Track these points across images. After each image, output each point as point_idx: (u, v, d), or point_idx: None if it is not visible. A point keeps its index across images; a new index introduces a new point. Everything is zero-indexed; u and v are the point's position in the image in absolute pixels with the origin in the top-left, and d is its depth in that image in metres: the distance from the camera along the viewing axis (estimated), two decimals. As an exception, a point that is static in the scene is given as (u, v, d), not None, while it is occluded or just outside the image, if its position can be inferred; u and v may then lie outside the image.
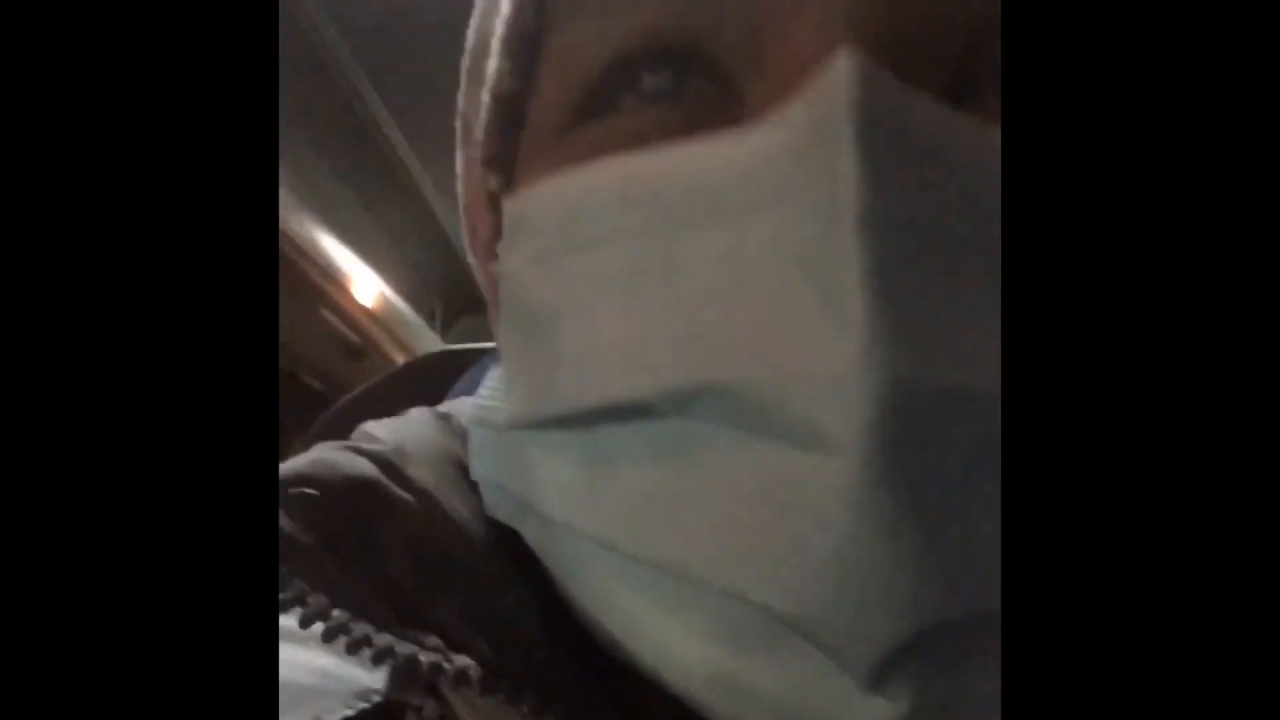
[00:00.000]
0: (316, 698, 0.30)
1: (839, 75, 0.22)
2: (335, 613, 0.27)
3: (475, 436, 0.33)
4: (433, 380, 0.47)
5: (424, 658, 0.27)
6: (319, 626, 0.27)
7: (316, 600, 0.28)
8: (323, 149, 2.46)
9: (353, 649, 0.27)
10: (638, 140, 0.27)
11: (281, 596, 0.27)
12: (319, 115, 2.37)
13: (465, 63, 0.35)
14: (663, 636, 0.27)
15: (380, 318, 2.95)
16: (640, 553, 0.26)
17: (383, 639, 0.27)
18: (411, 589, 0.29)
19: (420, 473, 0.33)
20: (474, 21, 0.35)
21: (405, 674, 0.30)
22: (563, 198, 0.28)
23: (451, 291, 3.11)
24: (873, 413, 0.21)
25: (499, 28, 0.31)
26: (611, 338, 0.26)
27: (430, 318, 3.02)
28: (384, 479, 0.32)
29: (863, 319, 0.21)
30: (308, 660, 0.31)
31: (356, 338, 2.87)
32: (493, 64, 0.31)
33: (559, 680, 0.29)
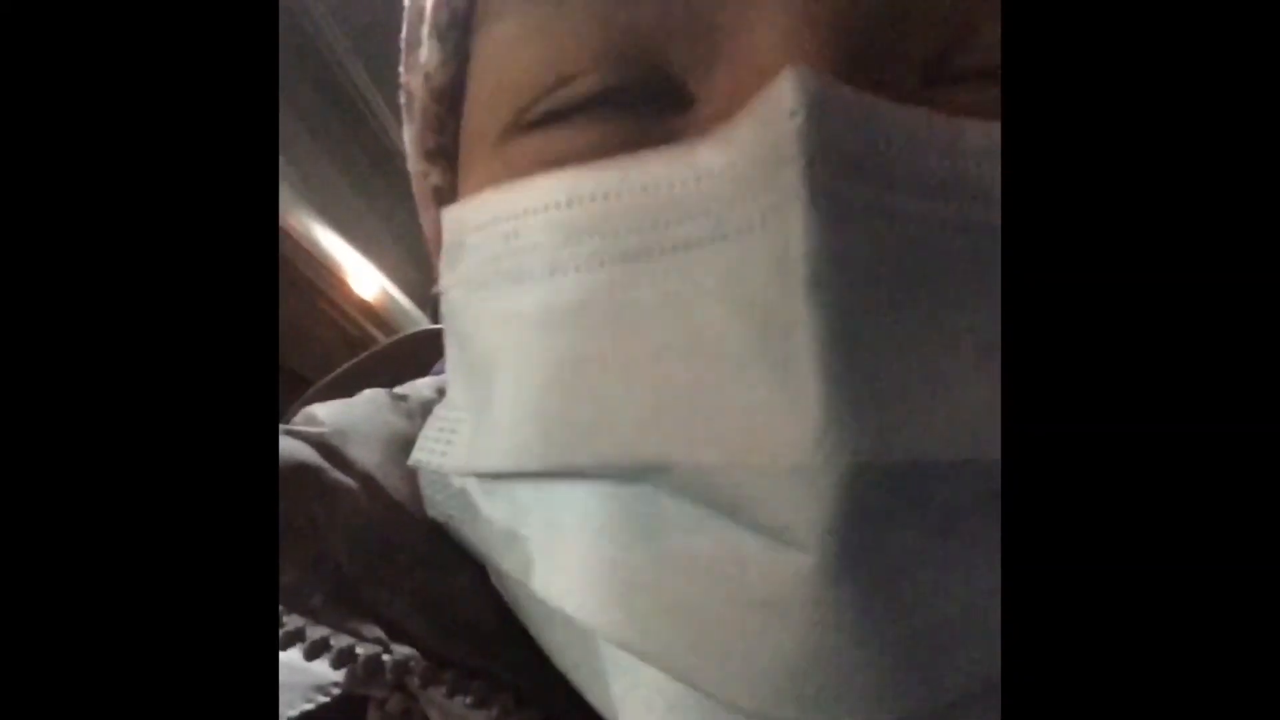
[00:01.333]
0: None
1: (783, 96, 0.20)
2: None
3: (423, 480, 0.31)
4: (420, 358, 0.45)
5: (361, 650, 0.26)
6: None
7: None
8: (321, 142, 2.46)
9: (286, 643, 0.26)
10: (580, 153, 0.25)
11: None
12: (317, 109, 2.36)
13: (404, 32, 0.33)
14: (622, 705, 0.26)
15: (379, 310, 2.95)
16: (591, 624, 0.25)
17: (317, 631, 0.26)
18: (352, 575, 0.28)
19: (362, 454, 0.31)
20: None
21: (354, 671, 0.29)
22: (500, 218, 0.26)
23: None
24: (832, 507, 0.19)
25: (429, 8, 0.29)
26: (558, 396, 0.24)
27: (431, 311, 3.02)
28: (322, 462, 0.30)
29: (817, 400, 0.19)
30: None
31: (355, 330, 2.87)
32: (424, 51, 0.30)
33: (511, 664, 0.28)
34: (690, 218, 0.22)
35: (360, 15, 2.10)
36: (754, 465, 0.20)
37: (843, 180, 0.20)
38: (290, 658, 0.29)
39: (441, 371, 0.41)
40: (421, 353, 0.45)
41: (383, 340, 0.47)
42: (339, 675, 0.29)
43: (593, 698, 0.27)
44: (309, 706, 0.28)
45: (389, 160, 2.57)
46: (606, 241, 0.23)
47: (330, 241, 2.73)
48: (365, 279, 2.89)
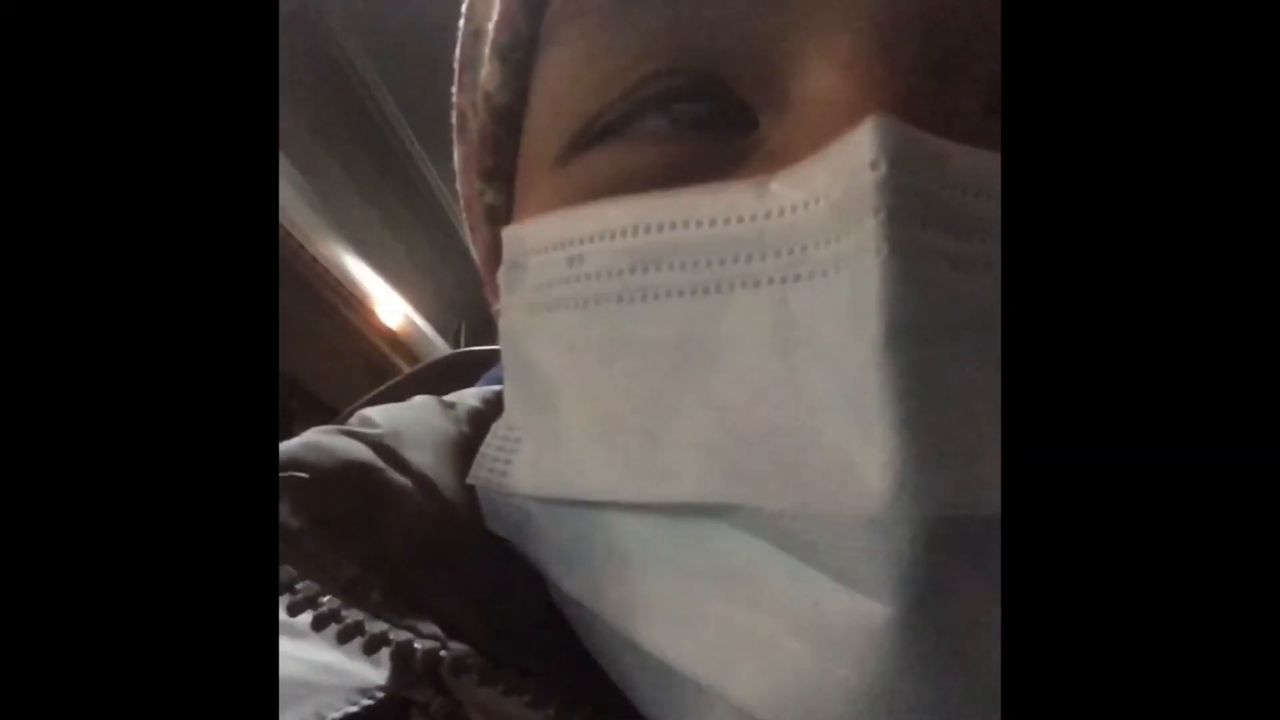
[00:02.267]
0: (318, 693, 0.29)
1: (864, 147, 0.20)
2: (325, 599, 0.26)
3: (482, 496, 0.31)
4: (455, 379, 0.45)
5: (419, 645, 0.26)
6: (309, 615, 0.26)
7: (305, 587, 0.26)
8: (350, 171, 2.48)
9: (344, 637, 0.26)
10: (644, 174, 0.25)
11: None
12: (346, 138, 2.39)
13: (457, 53, 0.33)
14: None
15: (403, 339, 2.97)
16: (656, 651, 0.25)
17: (376, 626, 0.26)
18: (409, 573, 0.28)
19: (418, 456, 0.31)
20: (464, 9, 0.33)
21: (408, 668, 0.28)
22: (564, 242, 0.26)
23: (474, 312, 3.12)
24: (908, 560, 0.20)
25: (490, 30, 0.29)
26: (624, 427, 0.24)
27: (453, 339, 3.03)
28: (379, 462, 0.30)
29: (895, 452, 0.19)
30: (309, 655, 0.30)
31: (379, 359, 2.88)
32: (485, 72, 0.30)
33: (565, 667, 0.28)
34: (764, 255, 0.22)
35: (391, 48, 2.12)
36: (829, 514, 0.21)
37: (921, 230, 0.20)
38: (332, 659, 0.30)
39: (485, 383, 0.42)
40: (453, 376, 0.45)
41: (405, 368, 0.47)
42: (382, 678, 0.29)
43: (638, 702, 0.27)
44: (352, 709, 0.28)
45: (415, 193, 2.59)
46: (676, 273, 0.23)
47: (358, 270, 2.75)
48: (390, 308, 2.91)
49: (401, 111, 2.32)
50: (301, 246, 2.53)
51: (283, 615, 0.31)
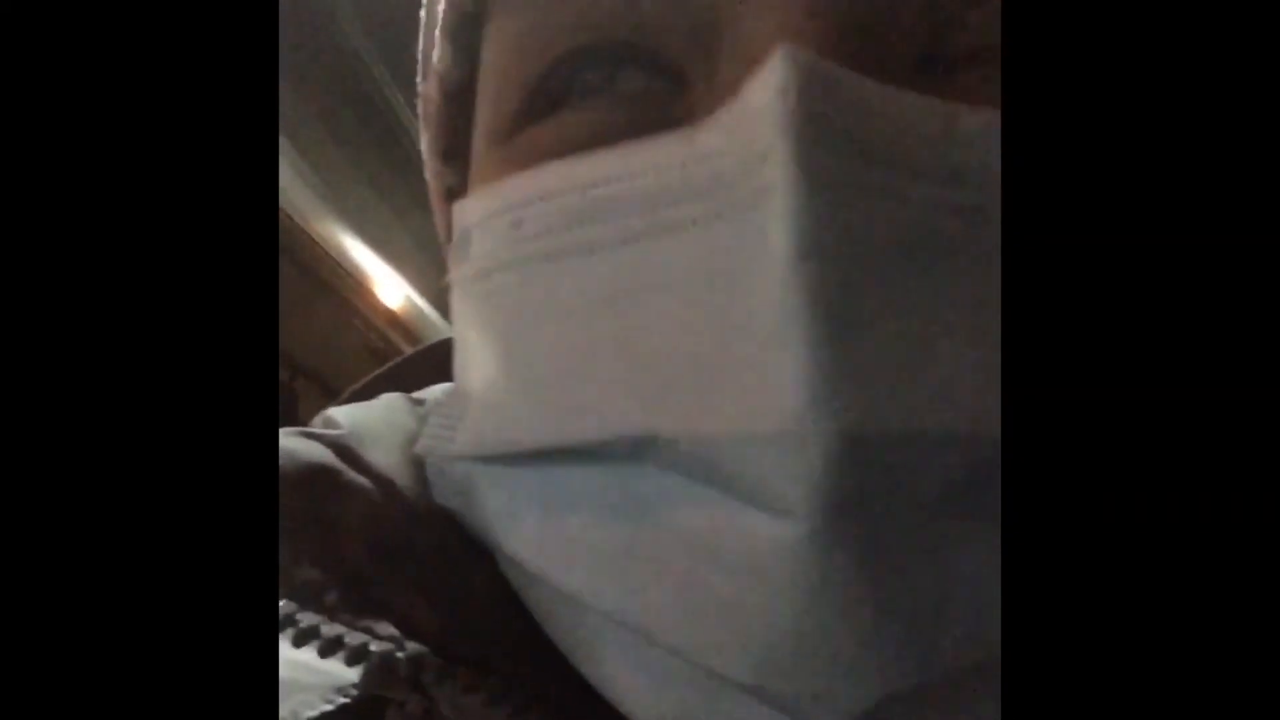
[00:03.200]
0: (295, 692, 0.28)
1: (775, 76, 0.20)
2: (281, 604, 0.26)
3: (428, 465, 0.31)
4: (447, 366, 0.46)
5: (375, 647, 0.26)
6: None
7: None
8: (349, 152, 2.48)
9: (299, 641, 0.26)
10: (582, 143, 0.25)
11: None
12: (348, 122, 2.38)
13: (420, 42, 0.34)
14: (620, 680, 0.26)
15: (403, 319, 2.97)
16: (591, 601, 0.25)
17: (332, 630, 0.26)
18: (366, 573, 0.28)
19: (379, 457, 0.31)
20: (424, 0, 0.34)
21: (383, 669, 0.28)
22: (503, 209, 0.27)
23: (475, 294, 3.12)
24: (820, 474, 0.20)
25: (441, 11, 0.30)
26: (556, 374, 0.25)
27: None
28: (339, 464, 0.30)
29: (804, 370, 0.19)
30: (286, 654, 0.30)
31: (379, 340, 2.88)
32: (437, 52, 0.30)
33: (524, 661, 0.28)
34: (689, 199, 0.22)
35: (390, 28, 2.11)
36: (743, 434, 0.21)
37: (832, 157, 0.20)
38: (308, 658, 0.29)
39: None
40: (448, 361, 0.45)
41: (406, 349, 0.47)
42: (357, 676, 0.28)
43: (592, 676, 0.27)
44: (328, 707, 0.28)
45: (415, 173, 2.58)
46: (607, 227, 0.24)
47: (357, 250, 2.75)
48: (391, 288, 2.91)
49: (401, 92, 2.32)
50: (300, 228, 2.53)
51: None
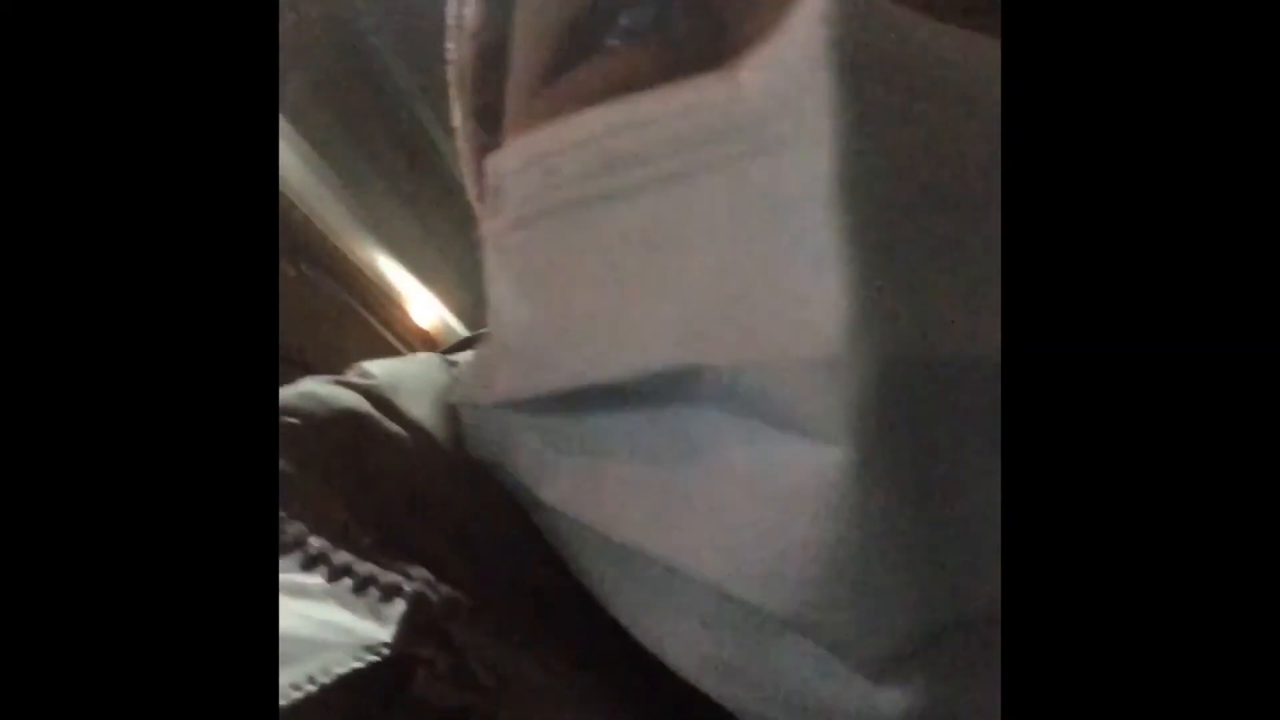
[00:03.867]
0: (325, 650, 0.28)
1: (815, 6, 0.20)
2: (313, 540, 0.26)
3: (462, 415, 0.31)
4: None
5: (408, 587, 0.26)
6: (298, 557, 0.26)
7: (295, 529, 0.26)
8: (382, 171, 2.50)
9: (332, 578, 0.26)
10: (618, 87, 0.25)
11: None
12: (379, 138, 2.41)
13: (448, 16, 0.34)
14: (659, 624, 0.26)
15: (436, 339, 2.98)
16: (631, 543, 0.25)
17: (363, 568, 0.26)
18: (399, 519, 0.28)
19: (413, 406, 0.31)
20: None
21: (413, 623, 0.28)
22: (539, 156, 0.27)
23: (507, 315, 3.13)
24: (860, 397, 0.20)
25: None
26: (594, 314, 0.25)
27: (486, 340, 3.04)
28: (374, 411, 0.30)
29: (845, 294, 0.20)
30: (318, 614, 0.29)
31: (413, 359, 2.89)
32: (470, 10, 0.31)
33: (555, 611, 0.28)
34: (729, 137, 0.22)
35: (425, 53, 2.14)
36: (784, 361, 0.21)
37: (873, 86, 0.20)
38: (341, 618, 0.29)
39: None
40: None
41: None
42: (387, 635, 0.28)
43: (630, 623, 0.27)
44: (358, 664, 0.28)
45: (448, 193, 2.60)
46: (646, 168, 0.24)
47: (392, 271, 2.77)
48: (424, 308, 2.93)
49: (434, 114, 2.34)
50: (336, 247, 2.55)
51: (294, 577, 0.32)
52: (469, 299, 3.05)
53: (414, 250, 2.77)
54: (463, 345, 0.44)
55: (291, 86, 2.17)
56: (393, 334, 2.87)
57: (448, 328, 3.05)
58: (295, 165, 2.32)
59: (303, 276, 2.51)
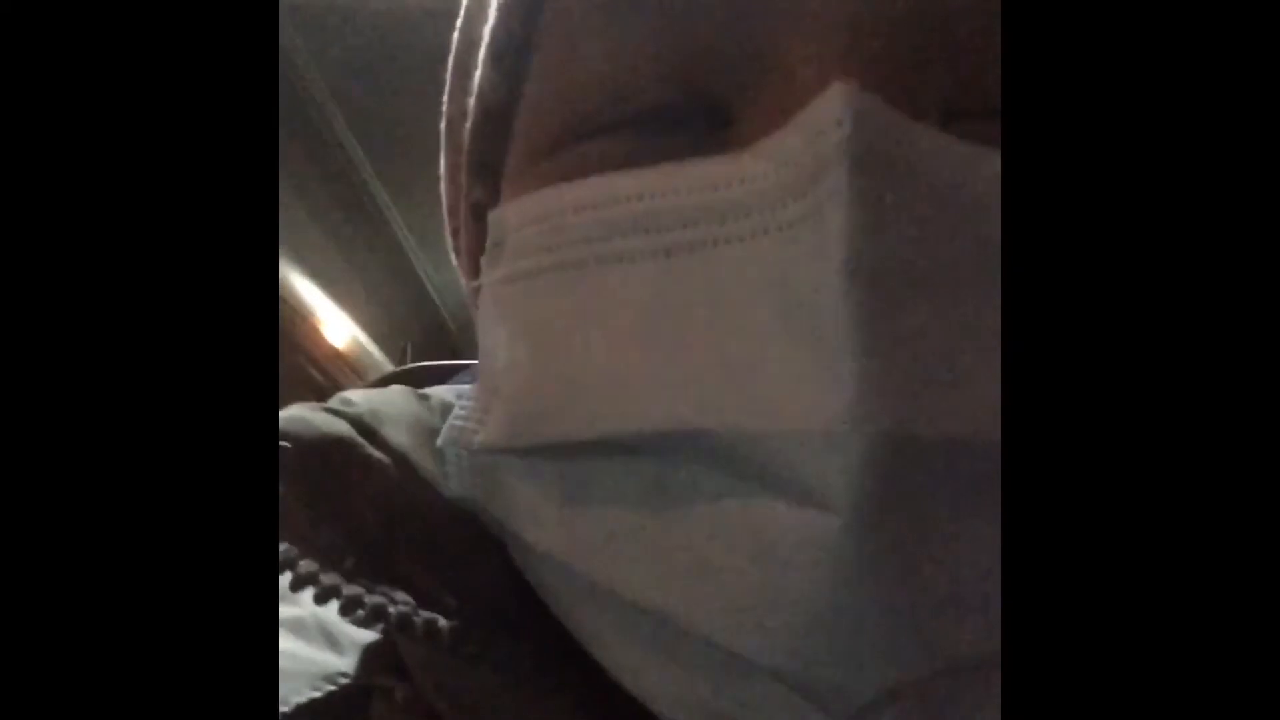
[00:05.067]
0: (283, 679, 0.29)
1: (831, 108, 0.22)
2: (303, 564, 0.27)
3: (449, 456, 0.32)
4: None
5: (393, 610, 0.27)
6: (288, 577, 0.27)
7: (285, 550, 0.27)
8: (299, 190, 2.46)
9: (321, 599, 0.26)
10: (627, 163, 0.26)
11: None
12: (294, 157, 2.37)
13: (450, 64, 0.35)
14: (646, 672, 0.27)
15: (349, 358, 2.94)
16: (617, 589, 0.26)
17: (351, 590, 0.27)
18: (384, 545, 0.29)
19: (396, 435, 0.32)
20: (460, 24, 0.35)
21: (374, 655, 0.29)
22: (546, 214, 0.28)
23: (424, 334, 3.10)
24: (862, 471, 0.21)
25: (485, 36, 0.31)
26: (594, 371, 0.25)
27: (399, 359, 3.01)
28: (358, 438, 0.31)
29: (852, 371, 0.21)
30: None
31: (324, 379, 2.85)
32: (480, 74, 0.32)
33: (531, 635, 0.29)
34: (735, 217, 0.23)
35: (341, 68, 2.12)
36: (788, 432, 0.22)
37: (882, 183, 0.22)
38: (297, 647, 0.31)
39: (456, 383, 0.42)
40: (413, 384, 0.46)
41: (350, 388, 0.47)
42: (347, 665, 0.30)
43: (613, 666, 0.28)
44: (316, 694, 0.29)
45: (364, 213, 2.57)
46: (650, 237, 0.25)
47: (305, 289, 2.72)
48: (337, 327, 2.88)
49: (352, 132, 2.31)
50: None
51: None
52: (381, 317, 3.02)
53: (327, 269, 2.72)
54: (411, 375, 0.45)
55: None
56: (305, 353, 2.81)
57: (360, 346, 3.01)
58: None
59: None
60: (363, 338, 3.01)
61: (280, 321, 2.66)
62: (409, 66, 1.97)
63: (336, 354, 2.91)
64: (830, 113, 0.22)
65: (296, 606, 0.33)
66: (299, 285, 2.68)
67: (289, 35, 2.03)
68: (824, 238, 0.21)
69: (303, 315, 2.73)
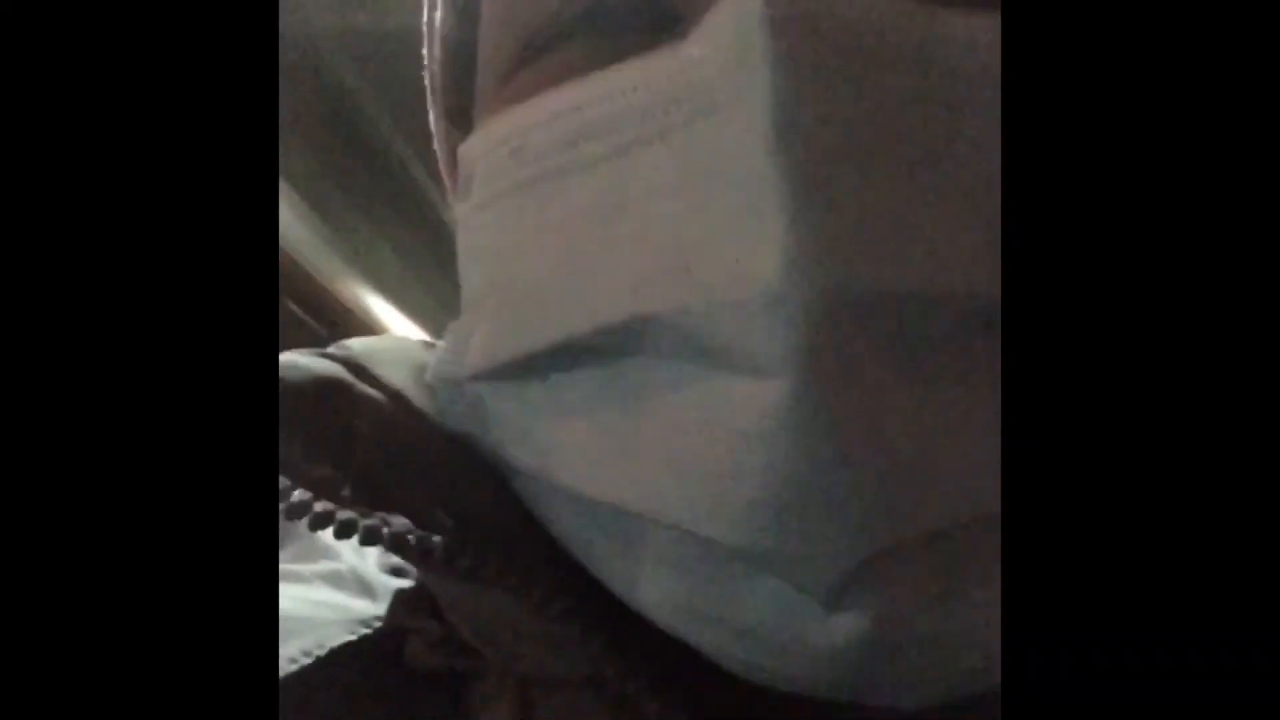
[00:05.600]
0: (320, 626, 0.31)
1: None
2: (296, 493, 0.27)
3: (441, 393, 0.32)
4: None
5: (386, 530, 0.27)
6: (282, 508, 0.27)
7: (279, 484, 0.27)
8: (369, 213, 2.52)
9: (315, 525, 0.27)
10: (577, 73, 0.27)
11: None
12: (363, 181, 2.43)
13: (423, 25, 0.36)
14: (628, 574, 0.27)
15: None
16: (597, 495, 0.26)
17: (344, 514, 0.27)
18: (379, 475, 0.29)
19: (390, 374, 0.32)
20: None
21: (406, 597, 0.30)
22: (503, 139, 0.28)
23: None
24: (802, 330, 0.20)
25: None
26: (552, 280, 0.26)
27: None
28: (351, 378, 0.31)
29: (783, 236, 0.20)
30: (310, 595, 0.32)
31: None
32: (439, 15, 0.33)
33: (532, 556, 0.29)
34: (676, 106, 0.23)
35: (400, 90, 2.15)
36: (725, 301, 0.22)
37: (808, 47, 0.21)
38: (335, 597, 0.32)
39: None
40: None
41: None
42: (379, 609, 0.31)
43: (604, 576, 0.28)
44: (351, 637, 0.30)
45: (431, 230, 2.62)
46: (601, 143, 0.25)
47: (380, 308, 2.77)
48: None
49: (414, 151, 2.35)
50: (324, 289, 2.57)
51: (290, 566, 0.35)
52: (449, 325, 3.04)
53: (401, 289, 2.78)
54: None
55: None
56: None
57: (438, 363, 3.04)
58: (282, 210, 2.33)
59: (291, 318, 2.52)
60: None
61: (353, 335, 2.71)
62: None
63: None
64: None
65: (335, 561, 0.35)
66: (375, 307, 2.73)
67: (344, 61, 2.08)
68: (750, 106, 0.21)
69: (376, 331, 2.78)
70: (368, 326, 2.70)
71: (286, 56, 1.99)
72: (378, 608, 0.32)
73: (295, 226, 2.36)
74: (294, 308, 2.44)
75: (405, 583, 0.33)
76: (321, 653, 0.30)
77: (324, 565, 0.34)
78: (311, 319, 2.54)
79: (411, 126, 2.28)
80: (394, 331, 2.82)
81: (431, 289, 2.84)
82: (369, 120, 2.26)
